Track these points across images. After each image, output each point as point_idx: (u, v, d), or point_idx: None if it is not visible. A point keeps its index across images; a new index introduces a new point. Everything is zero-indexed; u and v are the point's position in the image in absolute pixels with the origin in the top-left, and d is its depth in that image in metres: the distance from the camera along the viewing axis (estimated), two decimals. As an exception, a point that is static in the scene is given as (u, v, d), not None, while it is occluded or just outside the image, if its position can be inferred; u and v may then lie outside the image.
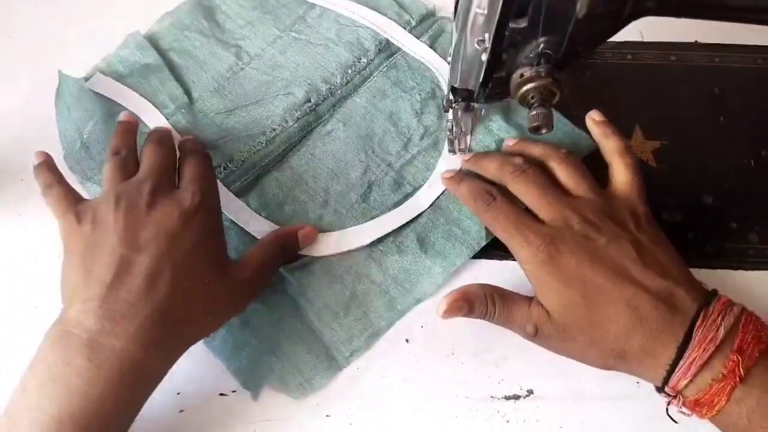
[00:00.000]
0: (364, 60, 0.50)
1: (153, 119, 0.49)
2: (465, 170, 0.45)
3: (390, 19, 0.52)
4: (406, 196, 0.46)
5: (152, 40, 0.52)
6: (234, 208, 0.45)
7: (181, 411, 0.40)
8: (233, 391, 0.41)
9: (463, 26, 0.33)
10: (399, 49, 0.51)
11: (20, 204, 0.47)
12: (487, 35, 0.32)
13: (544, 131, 0.33)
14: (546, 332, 0.37)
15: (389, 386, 0.41)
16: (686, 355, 0.33)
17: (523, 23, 0.30)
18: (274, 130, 0.48)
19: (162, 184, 0.39)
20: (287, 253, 0.43)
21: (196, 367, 0.41)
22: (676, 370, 0.34)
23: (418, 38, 0.51)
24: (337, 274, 0.44)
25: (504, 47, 0.32)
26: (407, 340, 0.42)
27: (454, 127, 0.44)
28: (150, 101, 0.50)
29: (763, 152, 0.47)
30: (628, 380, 0.39)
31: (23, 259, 0.45)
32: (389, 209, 0.45)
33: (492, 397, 0.41)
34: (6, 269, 0.45)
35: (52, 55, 0.52)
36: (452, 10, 0.36)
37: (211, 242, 0.39)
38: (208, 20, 0.53)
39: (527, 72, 0.33)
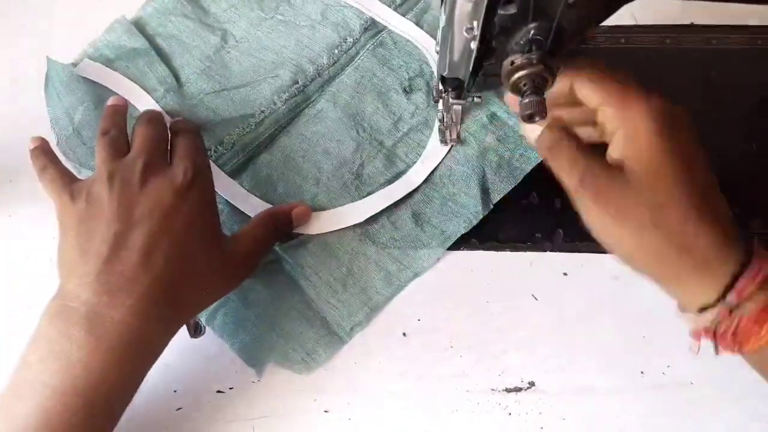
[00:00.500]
0: (350, 40, 0.50)
1: (143, 103, 0.49)
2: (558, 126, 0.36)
3: None
4: (399, 174, 0.46)
5: (137, 26, 0.52)
6: (227, 188, 0.46)
7: (178, 409, 0.40)
8: (230, 388, 0.41)
9: (451, 14, 0.33)
10: (385, 27, 0.51)
11: (10, 205, 0.47)
12: (475, 23, 0.31)
13: (537, 119, 0.33)
14: (636, 165, 0.32)
15: (387, 381, 0.41)
16: (753, 261, 0.30)
17: (512, 9, 0.30)
18: (263, 112, 0.48)
19: (154, 161, 0.39)
20: (281, 230, 0.43)
21: (192, 364, 0.41)
22: (745, 273, 0.30)
23: (403, 16, 0.50)
24: (332, 251, 0.44)
25: (493, 35, 0.31)
26: (404, 334, 0.42)
27: (444, 117, 0.43)
28: (139, 85, 0.49)
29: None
30: (632, 372, 0.39)
31: (14, 259, 0.45)
32: (382, 186, 0.45)
33: (493, 389, 0.40)
34: (-3, 271, 0.45)
35: (34, 56, 0.51)
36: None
37: (204, 217, 0.39)
38: (192, 4, 0.53)
39: (518, 59, 0.32)
